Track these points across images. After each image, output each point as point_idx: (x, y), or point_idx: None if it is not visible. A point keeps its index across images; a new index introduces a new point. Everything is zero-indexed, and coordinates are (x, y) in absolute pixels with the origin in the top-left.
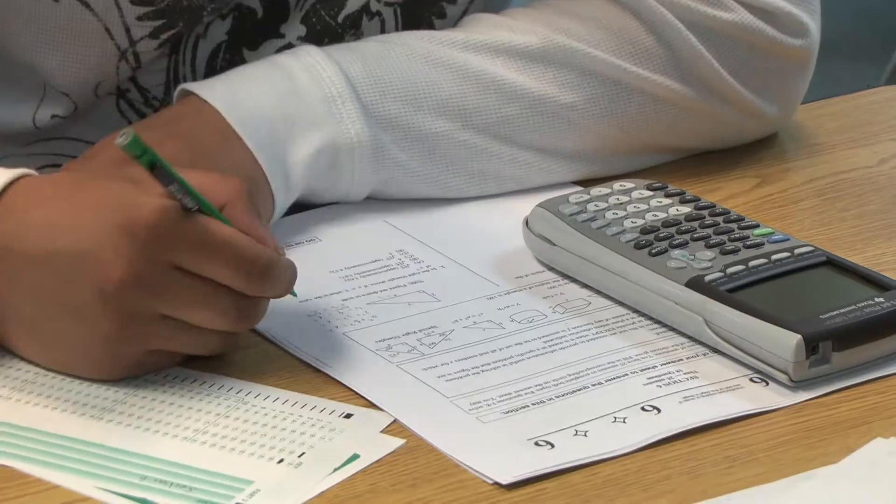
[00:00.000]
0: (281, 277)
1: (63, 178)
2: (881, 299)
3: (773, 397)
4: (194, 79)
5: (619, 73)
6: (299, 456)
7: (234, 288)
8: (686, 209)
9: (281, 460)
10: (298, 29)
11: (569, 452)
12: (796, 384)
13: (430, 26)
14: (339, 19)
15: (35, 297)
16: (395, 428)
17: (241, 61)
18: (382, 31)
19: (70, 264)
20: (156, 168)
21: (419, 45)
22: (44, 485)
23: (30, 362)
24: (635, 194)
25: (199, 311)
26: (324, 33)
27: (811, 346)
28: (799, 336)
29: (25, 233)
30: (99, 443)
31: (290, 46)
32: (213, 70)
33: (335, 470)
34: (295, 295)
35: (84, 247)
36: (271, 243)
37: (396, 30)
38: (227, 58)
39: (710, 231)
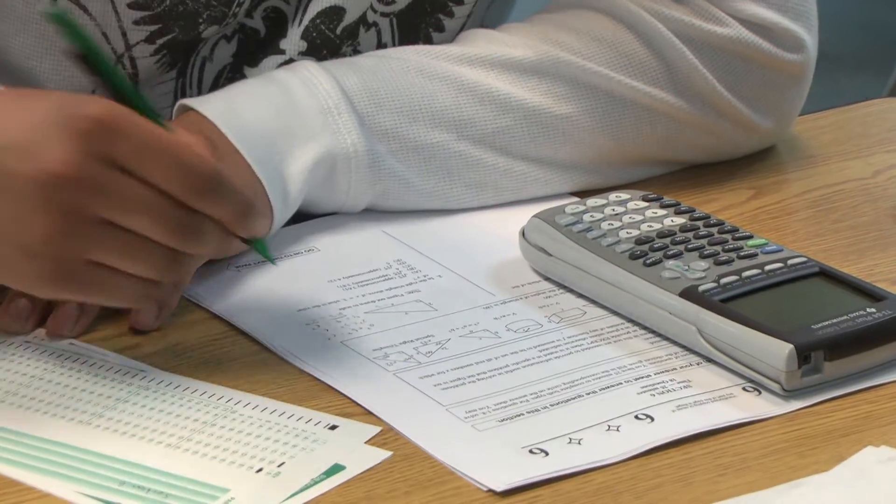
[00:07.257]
0: (226, 197)
1: (4, 90)
2: (873, 310)
3: (766, 406)
4: None
5: (613, 86)
6: (279, 466)
7: (176, 195)
8: (681, 220)
9: (260, 469)
10: (299, 44)
11: (562, 460)
12: (789, 393)
13: (428, 38)
14: (338, 31)
15: None
16: (380, 439)
17: (243, 78)
18: (379, 41)
19: (7, 156)
20: (87, 57)
21: (414, 58)
22: (37, 492)
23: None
24: (631, 205)
25: (140, 218)
26: (323, 46)
27: (803, 355)
28: (791, 346)
29: None
30: (85, 448)
31: (290, 61)
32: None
33: (314, 481)
34: (273, 262)
35: (22, 138)
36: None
37: (393, 41)
38: (229, 76)
39: (704, 242)
